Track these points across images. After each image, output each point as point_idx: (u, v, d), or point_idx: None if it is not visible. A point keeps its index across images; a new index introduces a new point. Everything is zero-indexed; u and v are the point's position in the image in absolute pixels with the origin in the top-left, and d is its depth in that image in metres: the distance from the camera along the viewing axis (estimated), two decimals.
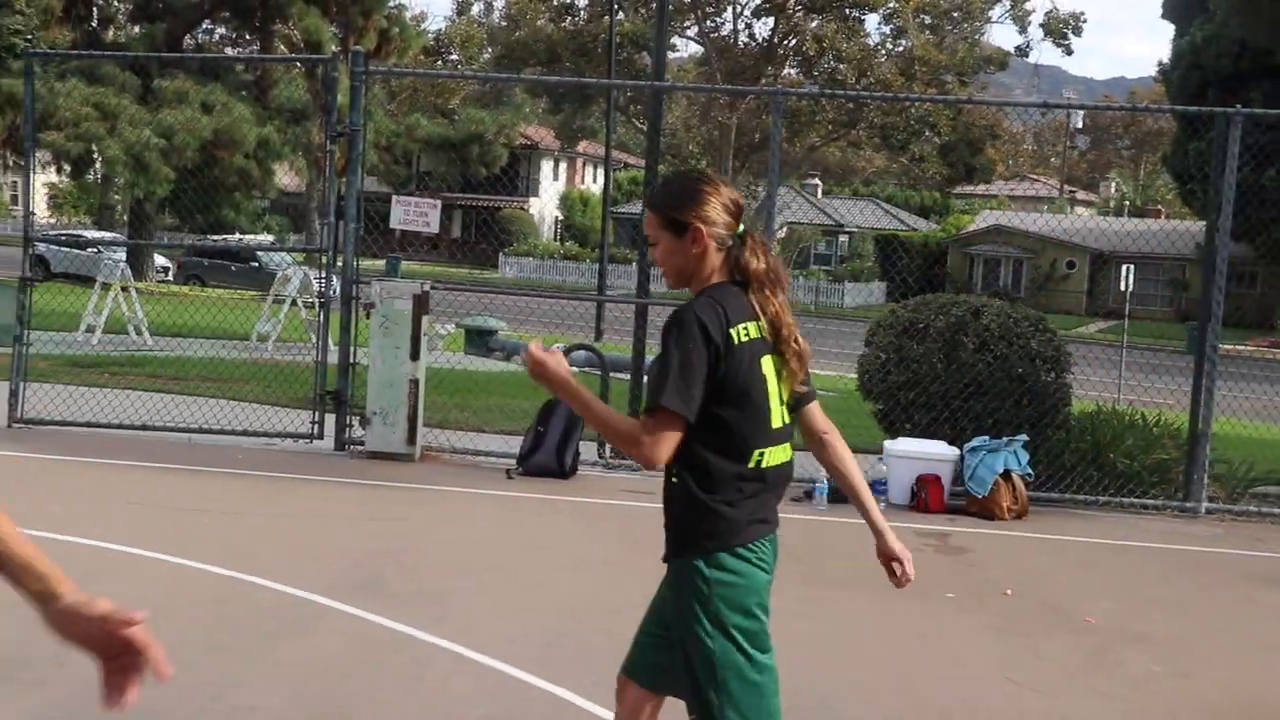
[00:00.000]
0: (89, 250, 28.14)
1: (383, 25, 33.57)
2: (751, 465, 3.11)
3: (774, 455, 3.16)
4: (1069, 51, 52.06)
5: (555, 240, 59.40)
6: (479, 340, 18.58)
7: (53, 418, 10.28)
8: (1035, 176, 77.46)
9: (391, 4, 35.07)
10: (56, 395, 10.57)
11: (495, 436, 10.91)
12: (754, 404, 3.11)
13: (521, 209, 59.40)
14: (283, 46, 34.29)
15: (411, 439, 9.62)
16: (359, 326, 10.17)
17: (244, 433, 10.24)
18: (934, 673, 5.59)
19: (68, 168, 31.98)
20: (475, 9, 63.08)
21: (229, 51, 36.18)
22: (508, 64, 45.46)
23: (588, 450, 9.86)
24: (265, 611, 5.78)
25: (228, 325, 17.58)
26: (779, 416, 3.18)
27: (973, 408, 9.49)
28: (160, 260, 35.27)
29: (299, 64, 33.00)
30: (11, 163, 33.28)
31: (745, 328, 3.10)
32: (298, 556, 6.82)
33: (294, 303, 19.10)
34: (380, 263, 15.83)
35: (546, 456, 9.49)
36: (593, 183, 66.64)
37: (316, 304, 17.92)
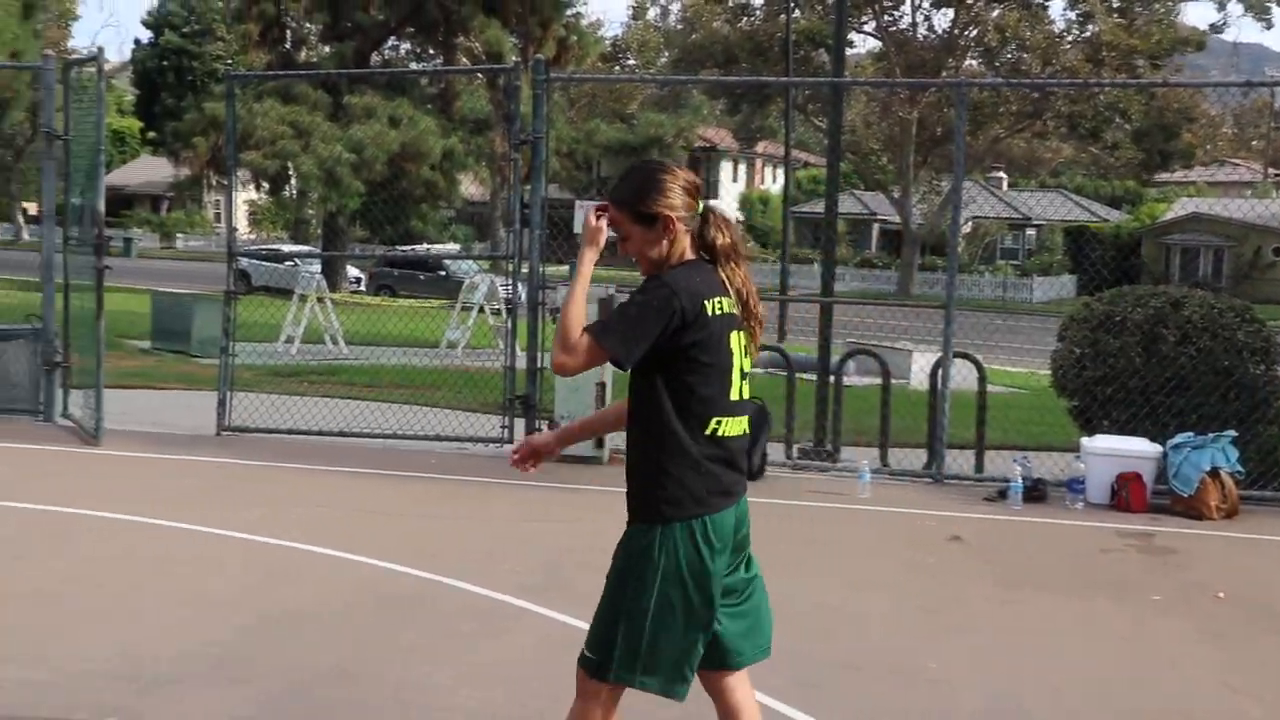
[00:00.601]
0: (286, 264, 29.21)
1: (561, 34, 34.04)
2: (708, 433, 3.25)
3: (731, 426, 3.32)
4: (1269, 26, 49.73)
5: None
6: None
7: (256, 425, 10.67)
8: (1236, 161, 74.17)
9: (569, 12, 35.54)
10: (260, 404, 10.97)
11: None
12: (719, 374, 3.26)
13: None
14: (465, 59, 35.05)
15: (600, 442, 9.69)
16: (545, 331, 10.30)
17: (436, 437, 10.46)
18: (1139, 677, 5.36)
19: (266, 185, 33.31)
20: (651, 13, 63.50)
21: (414, 67, 37.10)
22: (685, 67, 45.52)
23: (775, 451, 9.79)
24: (459, 612, 5.89)
25: (418, 333, 18.05)
26: (738, 389, 3.32)
27: (1175, 403, 9.10)
28: (352, 271, 36.40)
29: (481, 75, 33.67)
30: (215, 182, 34.80)
31: (720, 301, 3.26)
32: (489, 558, 6.92)
33: (481, 309, 19.47)
34: (564, 268, 16.01)
35: None
36: (772, 183, 66.37)
37: (503, 310, 18.35)
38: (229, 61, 30.62)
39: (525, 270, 10.29)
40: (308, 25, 35.18)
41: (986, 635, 5.89)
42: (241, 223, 46.35)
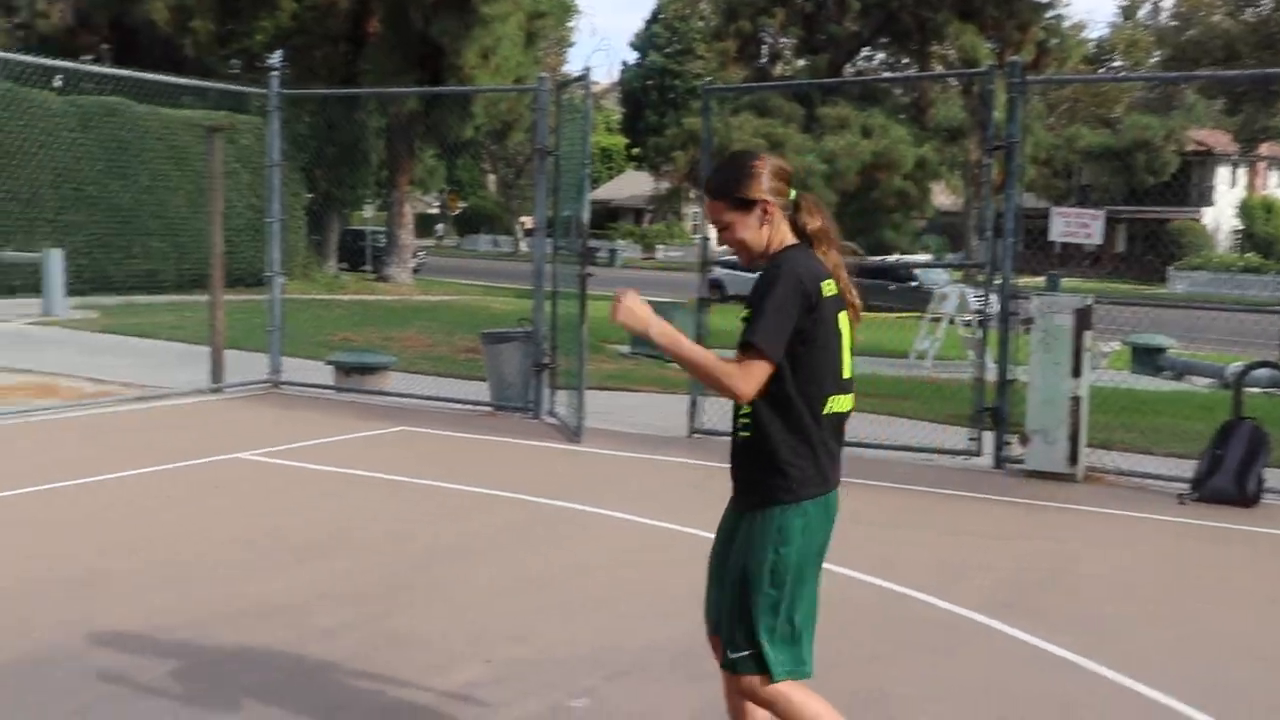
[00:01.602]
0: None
1: (1040, 37, 32.95)
2: (825, 411, 3.37)
3: (843, 403, 3.45)
4: None
5: (1234, 251, 54.96)
6: (1146, 358, 17.59)
7: (726, 429, 10.94)
8: None
9: (1049, 15, 34.29)
10: (729, 408, 11.23)
11: (1165, 459, 10.22)
12: (834, 354, 3.37)
13: (1193, 220, 55.64)
14: (939, 67, 34.60)
15: (1073, 458, 9.25)
16: (1018, 343, 9.96)
17: (903, 447, 10.35)
18: None
19: None
20: (1141, 12, 60.15)
21: (887, 75, 37.02)
22: (1177, 65, 42.90)
23: (1274, 477, 8.97)
24: (920, 625, 5.78)
25: (887, 343, 17.97)
26: (848, 367, 3.44)
27: None
28: None
29: (955, 81, 33.13)
30: (693, 195, 36.14)
31: (828, 283, 3.35)
32: (951, 572, 6.76)
33: (951, 320, 19.14)
34: (1039, 279, 15.46)
35: (1225, 481, 8.74)
36: (1276, 188, 61.09)
37: (974, 321, 17.93)
38: (708, 79, 31.66)
39: (998, 280, 9.99)
40: (782, 40, 35.93)
41: None
42: (716, 234, 47.93)
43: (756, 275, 3.36)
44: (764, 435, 3.36)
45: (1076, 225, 10.19)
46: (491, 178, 75.47)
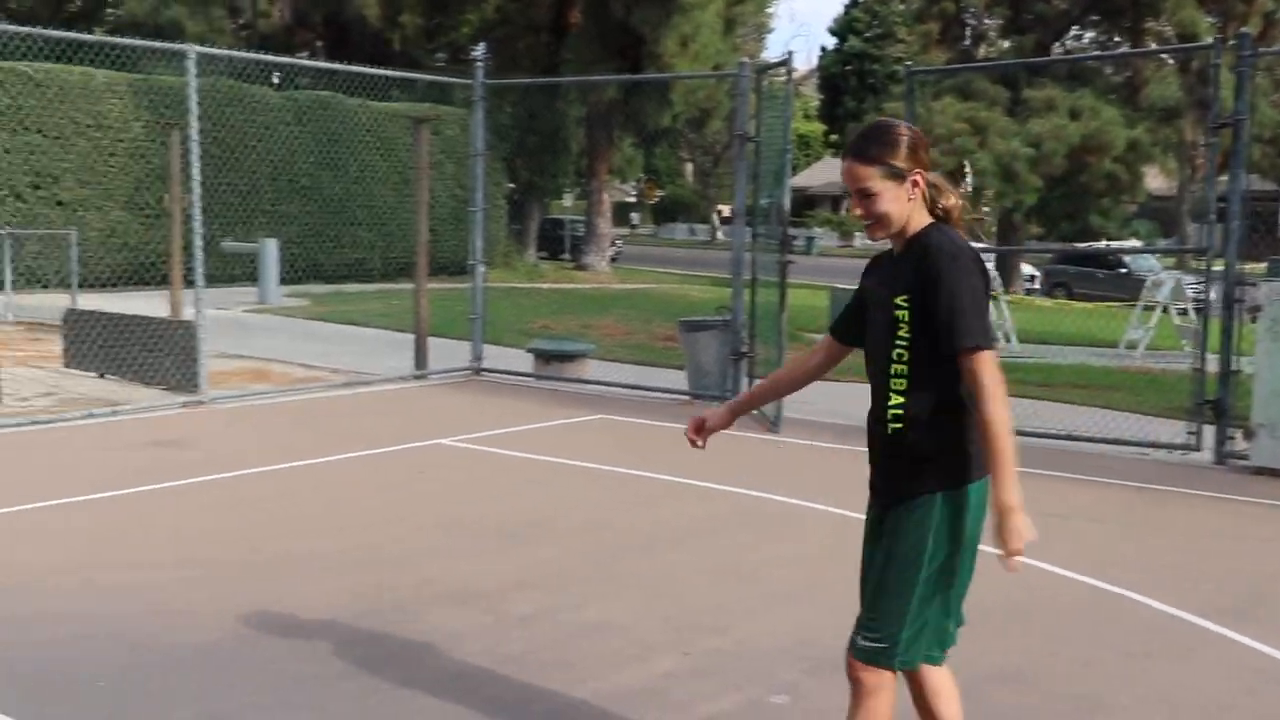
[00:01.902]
0: None
1: (1269, 8, 31.24)
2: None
3: None
4: None
5: None
6: None
7: None
8: None
9: None
10: None
11: None
12: None
13: None
14: (1153, 44, 33.19)
15: None
16: (1242, 332, 9.44)
17: (1114, 441, 9.93)
18: None
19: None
20: None
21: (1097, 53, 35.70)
22: None
23: None
24: (1138, 628, 5.50)
25: (1097, 332, 17.34)
26: None
27: None
28: (1026, 269, 35.74)
29: (1172, 59, 31.73)
30: None
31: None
32: (1168, 572, 6.42)
33: (1165, 309, 18.36)
34: (1263, 265, 14.67)
35: None
36: None
37: (1191, 309, 17.18)
38: (909, 62, 31.05)
39: (1219, 267, 9.47)
40: (987, 20, 34.99)
41: None
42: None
43: (912, 258, 3.21)
44: (930, 420, 3.24)
45: None
46: (689, 166, 75.68)
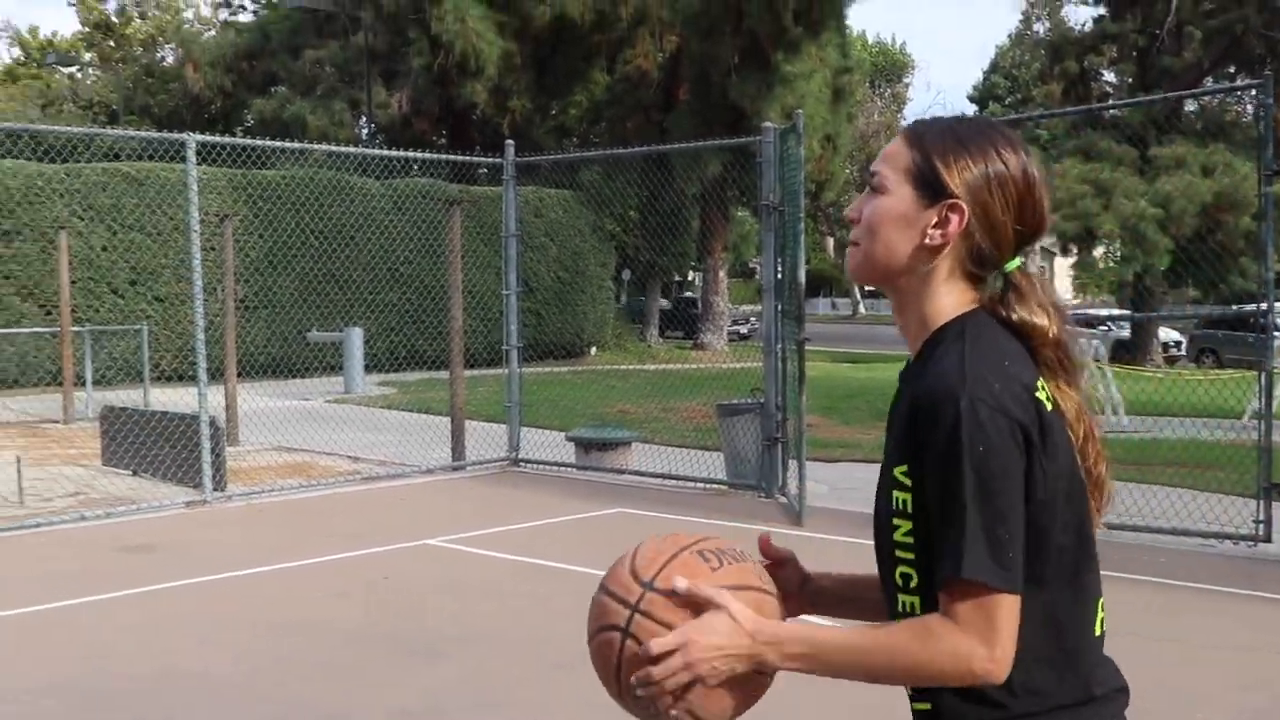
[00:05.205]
0: (1099, 328, 27.75)
1: None
2: (1099, 633, 1.82)
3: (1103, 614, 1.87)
4: None
5: None
6: None
7: None
8: None
9: None
10: None
11: None
12: (1085, 519, 1.80)
13: None
14: None
15: None
16: None
17: (1172, 531, 8.78)
18: None
19: (1073, 248, 32.08)
20: None
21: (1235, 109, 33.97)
22: None
23: None
24: None
25: (1221, 402, 15.95)
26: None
27: None
28: (1171, 334, 33.92)
29: None
30: (1039, 245, 34.06)
31: (1043, 386, 1.76)
32: (1212, 702, 5.40)
33: None
34: None
35: None
36: None
37: None
38: (1038, 125, 29.97)
39: None
40: (1113, 80, 33.64)
41: None
42: (1067, 287, 45.24)
43: (914, 385, 1.79)
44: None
45: None
46: (830, 240, 74.75)
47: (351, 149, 12.88)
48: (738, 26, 27.01)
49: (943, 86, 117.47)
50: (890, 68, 72.87)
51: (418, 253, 25.56)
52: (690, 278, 54.89)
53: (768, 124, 10.96)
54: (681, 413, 17.47)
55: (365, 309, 24.20)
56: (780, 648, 1.75)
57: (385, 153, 12.81)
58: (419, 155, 13.74)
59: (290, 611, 7.00)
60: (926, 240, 1.80)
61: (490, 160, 13.37)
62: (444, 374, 24.05)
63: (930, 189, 1.80)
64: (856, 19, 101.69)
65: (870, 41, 68.73)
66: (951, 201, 1.79)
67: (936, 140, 1.83)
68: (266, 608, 7.10)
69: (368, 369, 21.14)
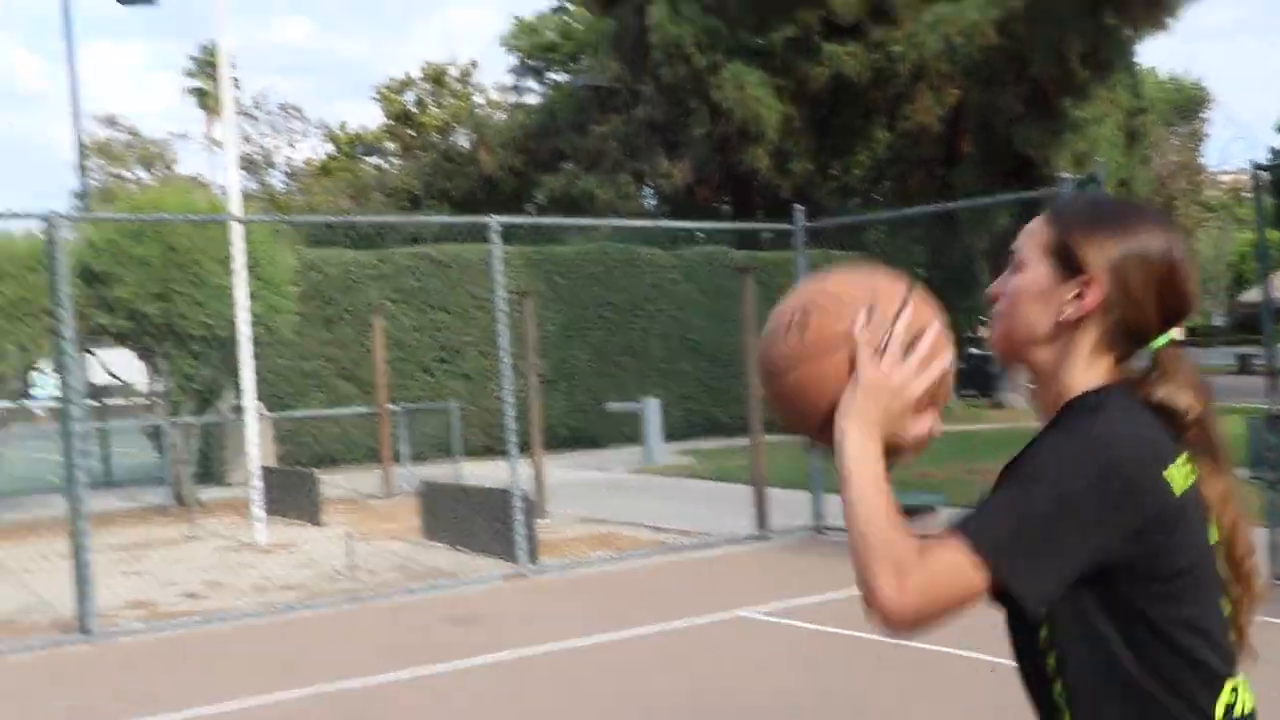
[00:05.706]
0: None
1: None
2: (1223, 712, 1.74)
3: (1247, 696, 1.79)
4: None
5: None
6: None
7: None
8: None
9: None
10: None
11: None
12: (1213, 596, 1.78)
13: None
14: None
15: None
16: None
17: None
18: None
19: None
20: None
21: None
22: None
23: None
24: None
25: None
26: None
27: None
28: None
29: None
30: None
31: (1181, 464, 1.76)
32: None
33: None
34: None
35: None
36: None
37: None
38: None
39: None
40: None
41: None
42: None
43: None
44: None
45: None
46: None
47: (648, 222, 13.16)
48: (1020, 74, 26.38)
49: (1244, 119, 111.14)
50: (1185, 104, 69.57)
51: (708, 320, 25.90)
52: (980, 334, 53.54)
53: (1063, 174, 10.62)
54: (987, 474, 16.90)
55: (659, 378, 24.60)
56: (852, 419, 1.81)
57: (683, 224, 13.15)
58: (713, 225, 13.98)
59: (625, 683, 7.13)
60: (1062, 315, 1.85)
61: (781, 226, 13.42)
62: (741, 441, 24.21)
63: (1067, 264, 1.85)
64: (1148, 55, 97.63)
65: (1163, 78, 65.93)
66: (1087, 276, 1.83)
67: (1075, 217, 1.89)
68: (607, 678, 7.25)
69: (664, 438, 21.43)
